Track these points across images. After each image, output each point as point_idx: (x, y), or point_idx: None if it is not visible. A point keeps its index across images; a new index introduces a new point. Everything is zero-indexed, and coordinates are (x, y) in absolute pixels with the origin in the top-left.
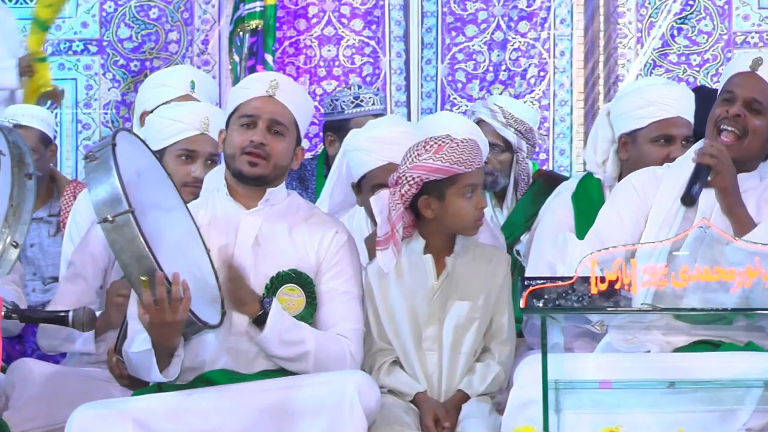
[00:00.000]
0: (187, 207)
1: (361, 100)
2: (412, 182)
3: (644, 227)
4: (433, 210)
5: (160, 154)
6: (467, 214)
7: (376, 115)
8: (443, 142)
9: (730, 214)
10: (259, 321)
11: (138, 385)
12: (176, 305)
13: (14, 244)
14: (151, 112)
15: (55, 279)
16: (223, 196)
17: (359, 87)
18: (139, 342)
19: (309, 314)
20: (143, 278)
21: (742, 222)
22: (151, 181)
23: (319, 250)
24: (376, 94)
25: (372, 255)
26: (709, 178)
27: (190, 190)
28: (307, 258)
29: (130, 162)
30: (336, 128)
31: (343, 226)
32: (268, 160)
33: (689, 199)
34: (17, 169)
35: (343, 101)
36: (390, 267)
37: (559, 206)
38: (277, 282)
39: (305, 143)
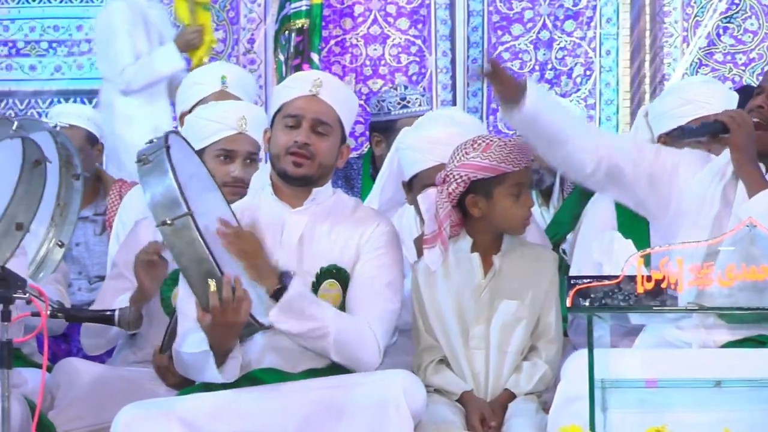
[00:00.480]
0: (230, 207)
1: (408, 101)
2: (459, 180)
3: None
4: (480, 209)
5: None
6: (515, 213)
7: None
8: (491, 140)
9: (741, 172)
10: (278, 295)
11: (184, 385)
12: (239, 307)
13: (60, 243)
14: (190, 111)
15: (101, 278)
16: (268, 196)
17: (406, 87)
18: (193, 342)
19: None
20: (210, 280)
21: (753, 181)
22: (198, 183)
23: (360, 242)
24: (423, 95)
25: (420, 254)
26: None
27: (230, 190)
28: (348, 252)
29: (183, 164)
30: (382, 129)
31: (387, 219)
32: (313, 160)
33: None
34: (65, 170)
35: (390, 102)
36: (437, 265)
37: (601, 206)
38: (320, 278)
39: (351, 142)
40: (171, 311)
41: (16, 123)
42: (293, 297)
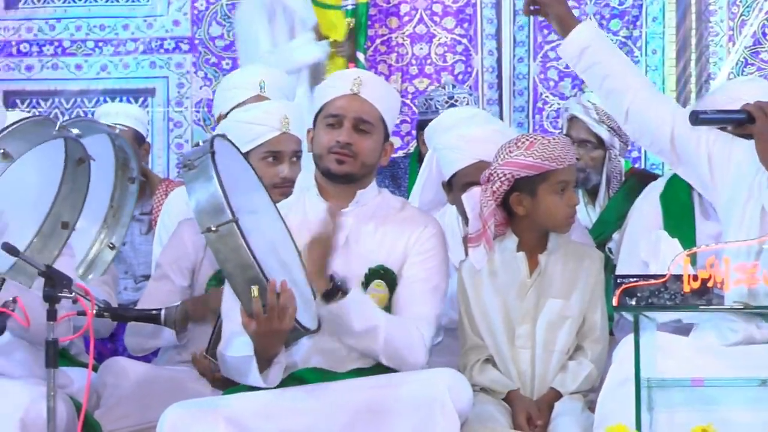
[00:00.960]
0: (277, 209)
1: (456, 100)
2: (503, 179)
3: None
4: (524, 207)
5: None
6: (559, 211)
7: None
8: (535, 138)
9: (766, 163)
10: (327, 296)
11: (229, 385)
12: (284, 314)
13: (111, 245)
14: (226, 115)
15: (147, 277)
16: (313, 197)
17: (453, 86)
18: (238, 346)
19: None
20: (253, 287)
21: None
22: (244, 185)
23: (407, 243)
24: (470, 94)
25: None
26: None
27: (280, 191)
28: (395, 253)
29: (227, 168)
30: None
31: (435, 221)
32: (356, 159)
33: (703, 115)
34: (121, 172)
35: (438, 101)
36: (482, 264)
37: (647, 206)
38: (368, 278)
39: (397, 141)
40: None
41: (58, 124)
42: (351, 301)
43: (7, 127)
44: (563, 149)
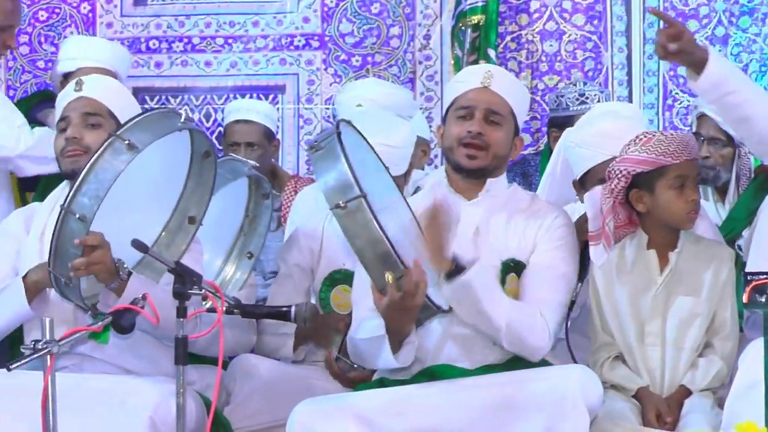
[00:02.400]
0: (404, 197)
1: (587, 97)
2: (620, 176)
3: None
4: (644, 203)
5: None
6: (678, 207)
7: None
8: (653, 134)
9: None
10: (450, 276)
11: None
12: (415, 289)
13: (248, 254)
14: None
15: (276, 274)
16: (444, 189)
17: (585, 83)
18: (368, 328)
19: None
20: (384, 262)
21: None
22: (371, 171)
23: (537, 233)
24: (602, 92)
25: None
26: None
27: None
28: (525, 245)
29: (354, 151)
30: (561, 124)
31: (565, 212)
32: (487, 151)
33: None
34: (254, 188)
35: (569, 98)
36: (600, 261)
37: None
38: (504, 272)
39: (527, 138)
40: (329, 311)
41: (183, 115)
42: (470, 280)
43: (133, 118)
44: (680, 144)
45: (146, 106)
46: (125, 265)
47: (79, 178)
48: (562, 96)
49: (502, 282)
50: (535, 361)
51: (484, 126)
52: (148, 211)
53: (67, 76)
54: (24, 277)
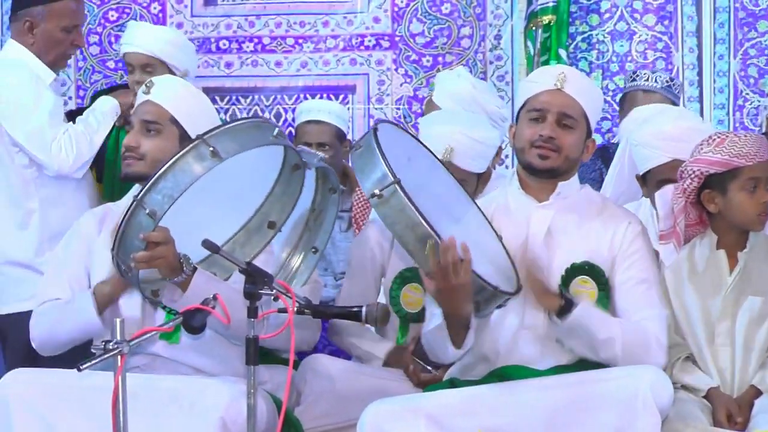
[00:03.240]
0: (469, 196)
1: (637, 75)
2: (693, 176)
3: None
4: (716, 204)
5: None
6: (749, 208)
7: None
8: (726, 135)
9: None
10: (561, 313)
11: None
12: (457, 267)
13: (314, 249)
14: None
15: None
16: (515, 189)
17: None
18: (432, 321)
19: (602, 306)
20: (425, 244)
21: None
22: (424, 169)
23: (612, 242)
24: (654, 71)
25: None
26: None
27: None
28: (599, 250)
29: (397, 148)
30: (620, 104)
31: (637, 217)
32: (559, 153)
33: None
34: (321, 182)
35: (627, 82)
36: (670, 260)
37: None
38: (570, 273)
39: (598, 138)
40: (399, 310)
41: (276, 129)
42: (579, 316)
43: (224, 125)
44: (754, 146)
45: (216, 107)
46: (190, 261)
47: (157, 174)
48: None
49: (567, 284)
50: None
51: (556, 129)
52: (226, 208)
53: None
54: (94, 289)
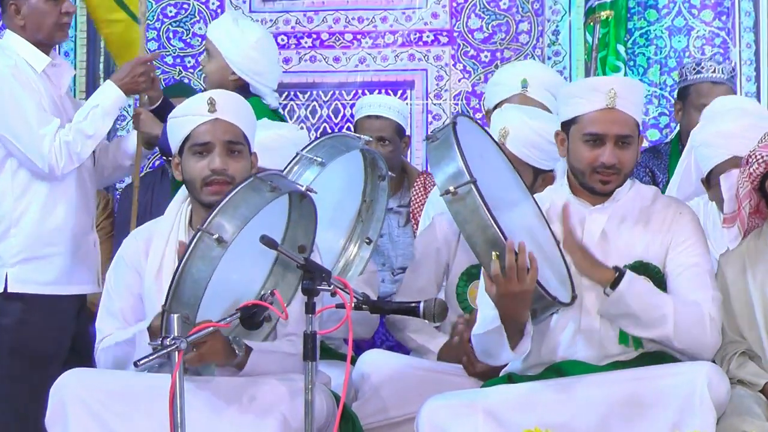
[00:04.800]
0: (532, 197)
1: (702, 67)
2: (760, 161)
3: None
4: None
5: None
6: None
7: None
8: None
9: None
10: (614, 285)
11: (488, 376)
12: (523, 274)
13: (368, 240)
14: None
15: (404, 269)
16: (567, 194)
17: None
18: (487, 322)
19: None
20: (493, 247)
21: None
22: (493, 167)
23: (665, 234)
24: (719, 63)
25: None
26: None
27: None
28: (653, 246)
29: (471, 143)
30: (681, 96)
31: (687, 206)
32: (620, 174)
33: None
34: (370, 170)
35: (687, 68)
36: (734, 244)
37: None
38: None
39: (655, 134)
40: (465, 306)
41: (270, 183)
42: (625, 289)
43: (218, 203)
44: None
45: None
46: (241, 342)
47: (175, 281)
48: (683, 67)
49: None
50: (708, 359)
51: (615, 152)
52: (252, 253)
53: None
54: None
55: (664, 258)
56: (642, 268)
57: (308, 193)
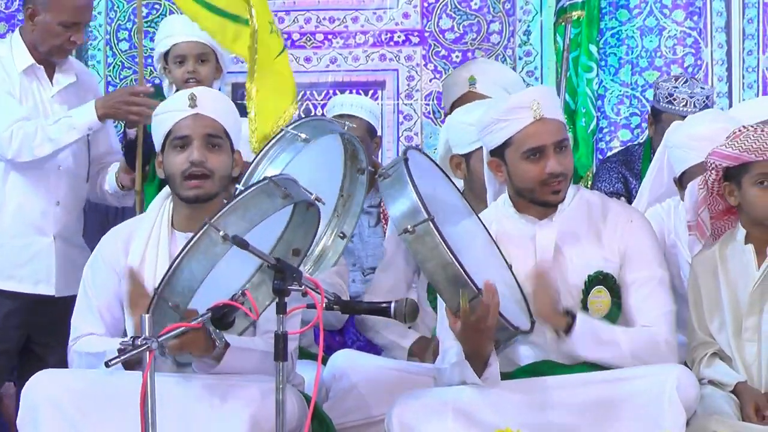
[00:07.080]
0: (480, 220)
1: (674, 99)
2: (711, 168)
3: None
4: (735, 197)
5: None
6: (762, 204)
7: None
8: (744, 130)
9: None
10: (568, 330)
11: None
12: (486, 311)
13: (342, 235)
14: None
15: (374, 269)
16: (511, 213)
17: (686, 81)
18: (450, 355)
19: (615, 315)
20: (455, 285)
21: None
22: (443, 195)
23: (619, 241)
24: (692, 97)
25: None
26: None
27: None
28: (610, 255)
29: (424, 177)
30: (654, 115)
31: (638, 211)
32: (567, 179)
33: None
34: (350, 163)
35: (661, 92)
36: (694, 252)
37: None
38: (589, 286)
39: (627, 134)
40: (435, 306)
41: (283, 189)
42: (582, 331)
43: (229, 201)
44: (765, 142)
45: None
46: (222, 337)
47: (172, 268)
48: (658, 87)
49: (586, 296)
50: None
51: (560, 159)
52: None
53: (166, 57)
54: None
55: (618, 268)
56: (603, 278)
57: (316, 202)
